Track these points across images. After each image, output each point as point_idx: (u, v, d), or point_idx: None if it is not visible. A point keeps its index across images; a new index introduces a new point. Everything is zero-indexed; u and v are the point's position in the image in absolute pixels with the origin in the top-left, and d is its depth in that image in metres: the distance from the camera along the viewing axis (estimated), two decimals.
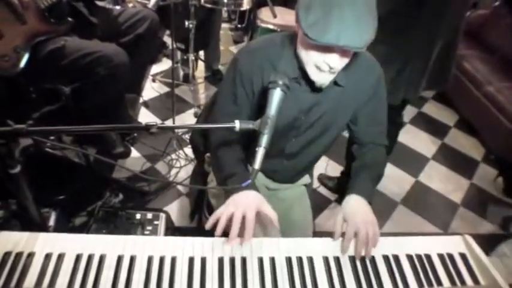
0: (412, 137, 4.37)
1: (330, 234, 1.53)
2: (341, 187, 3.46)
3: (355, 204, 1.63)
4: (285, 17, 3.62)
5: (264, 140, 1.30)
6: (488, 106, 4.27)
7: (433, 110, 4.95)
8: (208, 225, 1.45)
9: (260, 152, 1.29)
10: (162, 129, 1.23)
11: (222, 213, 1.46)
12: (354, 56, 1.54)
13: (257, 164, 1.29)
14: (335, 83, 1.62)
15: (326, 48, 1.40)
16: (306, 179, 2.12)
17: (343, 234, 1.54)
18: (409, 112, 4.72)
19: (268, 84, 1.40)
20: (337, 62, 1.44)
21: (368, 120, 1.81)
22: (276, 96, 1.36)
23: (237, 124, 1.29)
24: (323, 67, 1.45)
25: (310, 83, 1.59)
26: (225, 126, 1.34)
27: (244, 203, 1.50)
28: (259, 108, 1.67)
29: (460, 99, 4.83)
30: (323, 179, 3.57)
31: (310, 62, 1.49)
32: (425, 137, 4.44)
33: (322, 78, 1.51)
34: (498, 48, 4.92)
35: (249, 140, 1.80)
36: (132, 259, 1.33)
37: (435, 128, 4.60)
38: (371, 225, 1.52)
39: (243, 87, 1.70)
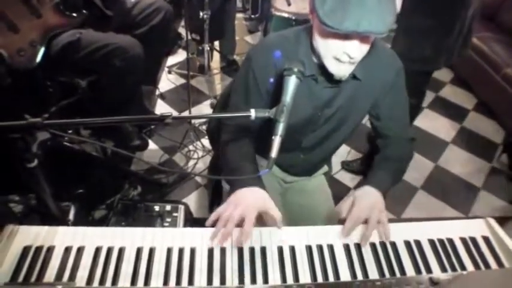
0: (431, 122, 4.31)
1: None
2: (365, 168, 3.49)
3: (368, 193, 1.61)
4: (299, 4, 3.58)
5: (280, 128, 1.29)
6: (507, 88, 4.20)
7: (451, 93, 4.87)
8: (208, 223, 1.43)
9: (276, 141, 1.28)
10: (177, 119, 1.23)
11: (221, 212, 1.44)
12: (372, 48, 1.50)
13: (274, 153, 1.28)
14: (353, 76, 1.59)
15: (345, 36, 1.37)
16: (323, 169, 2.11)
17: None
18: (427, 96, 4.62)
19: (283, 71, 1.38)
20: (357, 50, 1.41)
21: (390, 115, 1.78)
22: (291, 83, 1.35)
23: (252, 112, 1.29)
24: (343, 58, 1.42)
25: (328, 76, 1.55)
26: (240, 115, 1.33)
27: (245, 203, 1.46)
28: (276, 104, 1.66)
29: (478, 82, 4.76)
30: (345, 165, 3.56)
31: (328, 54, 1.45)
32: (444, 121, 4.38)
33: (342, 70, 1.48)
34: None
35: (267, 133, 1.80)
36: (152, 251, 1.33)
37: (454, 112, 4.53)
38: (379, 211, 1.51)
39: (257, 86, 1.67)
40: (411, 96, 2.97)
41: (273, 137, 1.29)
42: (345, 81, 1.56)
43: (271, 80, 1.64)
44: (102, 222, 2.48)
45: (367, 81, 1.63)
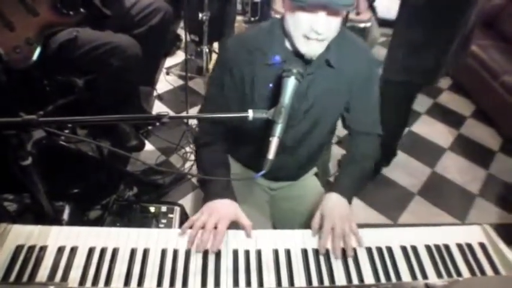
0: (428, 128, 4.32)
1: None
2: None
3: (335, 202, 1.61)
4: None
5: (278, 129, 1.28)
6: (505, 96, 4.22)
7: (449, 100, 4.88)
8: (183, 230, 1.45)
9: (274, 142, 1.27)
10: (173, 119, 1.22)
11: (195, 220, 1.48)
12: (346, 39, 1.61)
13: (271, 154, 1.27)
14: (327, 63, 1.60)
15: (311, 10, 1.39)
16: (312, 171, 2.10)
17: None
18: (425, 102, 4.68)
19: (282, 73, 1.38)
20: (324, 25, 1.42)
21: (361, 108, 1.78)
22: (290, 84, 1.35)
23: (250, 113, 1.28)
24: (311, 35, 1.44)
25: (302, 60, 1.57)
26: (238, 116, 1.32)
27: (218, 212, 1.50)
28: (248, 97, 1.69)
29: (476, 89, 4.78)
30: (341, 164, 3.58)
31: (297, 33, 1.47)
32: (441, 128, 4.38)
33: (312, 49, 1.50)
34: None
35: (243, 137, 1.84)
36: (146, 252, 1.33)
37: (451, 119, 4.54)
38: (347, 220, 1.52)
39: (231, 76, 1.68)
40: (404, 103, 3.00)
41: (270, 138, 1.28)
42: (319, 68, 1.58)
43: (246, 70, 1.67)
44: (97, 222, 2.47)
45: (341, 71, 1.63)
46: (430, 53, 2.66)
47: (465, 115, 4.66)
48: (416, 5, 2.58)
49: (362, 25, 3.82)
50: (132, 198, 2.71)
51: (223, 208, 1.54)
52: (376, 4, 4.32)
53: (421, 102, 4.59)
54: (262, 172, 1.27)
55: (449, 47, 2.66)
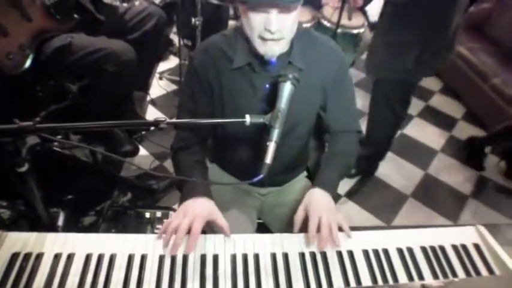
0: (420, 130, 4.36)
1: (339, 229, 1.51)
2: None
3: (319, 196, 1.60)
4: None
5: (275, 134, 1.30)
6: (495, 98, 4.29)
7: (440, 103, 4.93)
8: (159, 233, 1.44)
9: (271, 147, 1.29)
10: (171, 125, 1.22)
11: (169, 224, 1.46)
12: (312, 39, 1.66)
13: (268, 159, 1.28)
14: (290, 63, 1.62)
15: (262, 10, 1.41)
16: (303, 174, 2.10)
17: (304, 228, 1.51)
18: (416, 105, 4.72)
19: (277, 78, 1.41)
20: (276, 23, 1.43)
21: (337, 107, 1.79)
22: (286, 89, 1.38)
23: (247, 119, 1.30)
24: (266, 35, 1.45)
25: (264, 63, 1.60)
26: (234, 121, 1.33)
27: (192, 212, 1.48)
28: (222, 102, 1.71)
29: (467, 92, 4.84)
30: None
31: (253, 34, 1.49)
32: (433, 130, 4.43)
33: (269, 50, 1.51)
34: (503, 41, 4.90)
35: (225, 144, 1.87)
36: (143, 258, 1.32)
37: (443, 121, 4.59)
38: (333, 212, 1.52)
39: (200, 83, 1.70)
40: (396, 103, 3.03)
41: (268, 143, 1.29)
42: (281, 68, 1.56)
43: (213, 76, 1.69)
44: (92, 228, 2.46)
45: (310, 70, 1.64)
46: (410, 54, 2.70)
47: (456, 117, 4.71)
48: (397, 5, 2.63)
49: (355, 31, 3.84)
50: (127, 204, 2.71)
51: (198, 207, 1.51)
52: (367, 8, 4.36)
53: (413, 105, 4.60)
54: (260, 176, 1.27)
55: (430, 49, 2.70)
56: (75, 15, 2.37)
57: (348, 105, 1.83)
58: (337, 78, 1.73)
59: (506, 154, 4.03)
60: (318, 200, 1.58)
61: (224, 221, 1.50)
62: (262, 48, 1.51)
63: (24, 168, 1.25)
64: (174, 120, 1.30)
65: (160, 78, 4.43)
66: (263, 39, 1.47)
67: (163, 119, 1.20)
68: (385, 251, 1.45)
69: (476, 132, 4.46)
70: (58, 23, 2.30)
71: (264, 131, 1.43)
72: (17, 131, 1.15)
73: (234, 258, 1.37)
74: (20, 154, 1.22)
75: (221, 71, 1.66)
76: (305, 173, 2.10)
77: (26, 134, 1.17)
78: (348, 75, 1.81)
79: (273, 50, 1.51)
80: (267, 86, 1.63)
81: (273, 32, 1.43)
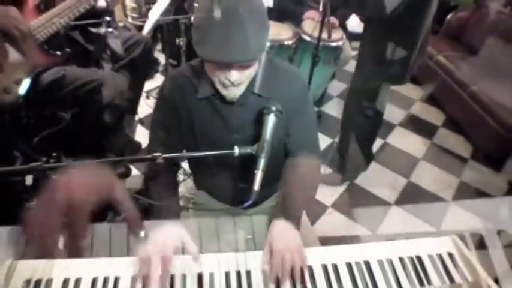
0: (402, 139, 4.49)
1: (327, 240, 1.60)
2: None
3: (282, 231, 1.56)
4: (277, 31, 3.74)
5: (262, 163, 1.42)
6: (474, 105, 4.40)
7: (421, 110, 5.07)
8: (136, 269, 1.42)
9: (259, 175, 1.41)
10: (168, 159, 1.33)
11: (142, 256, 1.41)
12: (273, 67, 1.73)
13: (256, 186, 1.41)
14: (253, 93, 1.72)
15: (222, 65, 1.51)
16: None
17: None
18: (398, 114, 4.83)
19: (263, 109, 1.53)
20: (236, 75, 1.54)
21: (299, 132, 1.86)
22: (270, 121, 1.49)
23: (236, 150, 1.42)
24: (226, 83, 1.56)
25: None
26: (223, 153, 1.44)
27: (162, 243, 1.43)
28: (192, 129, 1.80)
29: (447, 100, 4.95)
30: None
31: (215, 79, 1.60)
32: (414, 138, 4.55)
33: (230, 94, 1.62)
34: (480, 49, 5.04)
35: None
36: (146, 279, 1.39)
37: (424, 129, 4.71)
38: (296, 252, 1.47)
39: (168, 112, 1.81)
40: (375, 103, 3.19)
41: (255, 172, 1.41)
42: (246, 98, 1.71)
43: (181, 104, 1.78)
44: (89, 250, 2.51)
45: (272, 97, 1.66)
46: (396, 60, 2.91)
47: (437, 125, 4.83)
48: (379, 20, 2.85)
49: (334, 44, 3.96)
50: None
51: (169, 235, 1.48)
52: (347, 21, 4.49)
53: (395, 114, 4.76)
54: (249, 202, 1.39)
55: (412, 53, 2.92)
56: (67, 49, 2.47)
57: (310, 131, 1.92)
58: (298, 104, 1.81)
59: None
60: (281, 235, 1.53)
61: (194, 246, 1.47)
62: (223, 91, 1.62)
63: (33, 202, 1.34)
64: (169, 155, 1.39)
65: (148, 97, 4.51)
66: (224, 85, 1.58)
67: (160, 155, 1.31)
68: (367, 263, 1.55)
69: (456, 139, 4.60)
70: (51, 57, 2.41)
71: (246, 157, 1.49)
72: (27, 171, 1.24)
73: (227, 275, 1.46)
74: (27, 190, 1.31)
75: (188, 100, 1.76)
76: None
77: (36, 173, 1.25)
78: (309, 100, 1.89)
79: (234, 93, 1.63)
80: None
81: (233, 81, 1.55)
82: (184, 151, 1.82)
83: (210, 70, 1.59)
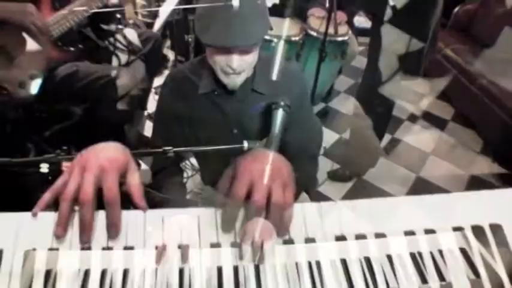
0: (412, 134, 4.49)
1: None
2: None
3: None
4: (281, 27, 3.72)
5: None
6: (483, 98, 4.39)
7: (430, 105, 5.04)
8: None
9: (267, 170, 1.39)
10: (178, 152, 1.34)
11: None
12: (273, 65, 1.77)
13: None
14: (253, 90, 1.79)
15: (224, 51, 1.57)
16: None
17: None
18: (406, 109, 4.80)
19: (271, 105, 1.57)
20: (238, 62, 1.60)
21: (297, 130, 1.87)
22: (278, 116, 1.52)
23: (245, 144, 1.41)
24: (228, 70, 1.62)
25: (228, 92, 1.77)
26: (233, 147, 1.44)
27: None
28: (193, 126, 1.86)
29: (455, 93, 4.95)
30: (331, 174, 3.69)
31: (216, 67, 1.67)
32: (423, 133, 4.51)
33: (231, 81, 1.70)
34: (488, 41, 4.99)
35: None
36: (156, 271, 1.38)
37: (433, 123, 4.69)
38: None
39: (169, 109, 1.90)
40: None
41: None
42: (246, 94, 1.78)
43: (182, 104, 1.86)
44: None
45: (272, 95, 1.73)
46: (409, 54, 2.94)
47: (446, 119, 4.80)
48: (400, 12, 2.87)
49: (340, 39, 3.95)
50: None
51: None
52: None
53: (403, 109, 4.73)
54: None
55: (426, 44, 2.97)
56: (79, 45, 2.49)
57: (308, 128, 1.96)
58: (298, 102, 1.83)
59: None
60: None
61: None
62: (225, 79, 1.70)
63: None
64: (179, 149, 1.39)
65: (156, 93, 4.48)
66: (225, 73, 1.64)
67: (170, 148, 1.32)
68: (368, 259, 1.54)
69: (466, 133, 4.56)
70: (65, 53, 2.43)
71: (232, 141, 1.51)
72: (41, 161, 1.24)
73: (236, 269, 1.41)
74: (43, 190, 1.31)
75: (189, 97, 1.81)
76: None
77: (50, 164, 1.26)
78: (308, 100, 1.95)
79: (235, 81, 1.70)
80: (257, 107, 1.78)
81: (235, 68, 1.61)
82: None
83: (212, 58, 1.64)
